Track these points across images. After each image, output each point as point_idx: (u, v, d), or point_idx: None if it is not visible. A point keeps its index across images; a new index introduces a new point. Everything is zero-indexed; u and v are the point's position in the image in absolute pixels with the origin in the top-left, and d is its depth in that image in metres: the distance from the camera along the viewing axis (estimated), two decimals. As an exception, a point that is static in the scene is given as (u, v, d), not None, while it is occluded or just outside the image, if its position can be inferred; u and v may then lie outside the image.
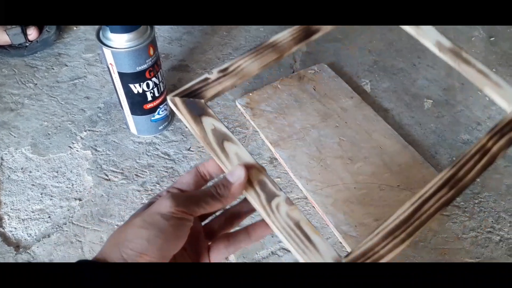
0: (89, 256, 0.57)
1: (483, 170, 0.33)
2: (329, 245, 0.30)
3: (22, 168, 0.66)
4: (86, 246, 0.58)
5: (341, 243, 0.57)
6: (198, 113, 0.35)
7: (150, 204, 0.33)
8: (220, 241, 0.37)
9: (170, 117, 0.70)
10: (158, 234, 0.29)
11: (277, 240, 0.58)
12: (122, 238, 0.30)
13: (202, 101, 0.36)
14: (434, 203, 0.31)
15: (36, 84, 0.77)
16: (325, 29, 0.41)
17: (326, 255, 0.30)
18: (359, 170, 0.63)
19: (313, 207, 0.61)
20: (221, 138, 0.34)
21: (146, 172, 0.65)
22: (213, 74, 0.37)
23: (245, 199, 0.34)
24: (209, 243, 0.37)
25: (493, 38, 0.87)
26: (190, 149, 0.68)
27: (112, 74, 0.59)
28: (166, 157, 0.67)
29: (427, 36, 0.41)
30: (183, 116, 0.35)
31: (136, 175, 0.65)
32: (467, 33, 0.88)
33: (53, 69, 0.80)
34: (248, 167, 0.32)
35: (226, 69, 0.38)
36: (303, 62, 0.82)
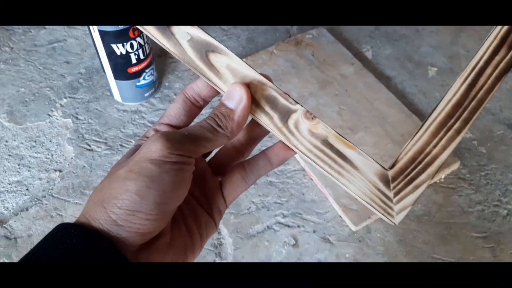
0: (70, 231, 0.53)
1: None
2: (369, 159, 0.25)
3: (-3, 138, 0.61)
4: (67, 220, 0.53)
5: (340, 217, 0.54)
6: None
7: (136, 149, 0.27)
8: (235, 172, 0.30)
9: (157, 83, 0.65)
10: (150, 185, 0.23)
11: (272, 214, 0.54)
12: (107, 195, 0.23)
13: None
14: (492, 72, 0.24)
15: (12, 48, 0.71)
16: None
17: (367, 171, 0.25)
18: (360, 140, 0.59)
19: (311, 179, 0.57)
20: (204, 50, 0.26)
21: (132, 141, 0.61)
22: None
23: (254, 120, 0.28)
24: (220, 180, 0.30)
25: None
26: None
27: (93, 33, 0.54)
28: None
29: None
30: (146, 30, 0.27)
31: (120, 145, 0.60)
32: None
33: (30, 32, 0.74)
34: (248, 83, 0.26)
35: None
36: (300, 26, 0.77)
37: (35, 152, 0.59)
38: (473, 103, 0.24)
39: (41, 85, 0.66)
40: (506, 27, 0.25)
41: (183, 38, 0.26)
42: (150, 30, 0.27)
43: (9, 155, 0.59)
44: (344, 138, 0.25)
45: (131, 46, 0.55)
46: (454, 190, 0.57)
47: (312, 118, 0.26)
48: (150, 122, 0.63)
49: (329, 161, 0.25)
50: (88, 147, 0.60)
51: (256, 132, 0.31)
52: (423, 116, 0.64)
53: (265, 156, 0.30)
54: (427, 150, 0.24)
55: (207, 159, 0.32)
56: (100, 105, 0.64)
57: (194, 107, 0.29)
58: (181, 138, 0.24)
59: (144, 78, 0.61)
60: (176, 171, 0.24)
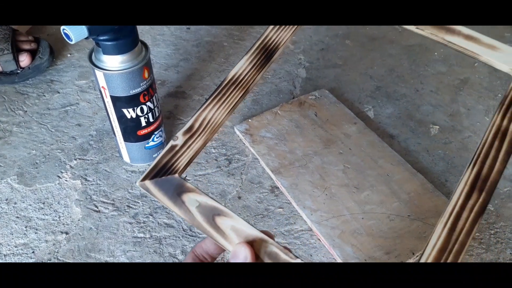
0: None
1: (508, 157, 0.28)
2: None
3: (6, 199, 0.61)
4: (72, 285, 0.53)
5: (350, 278, 0.53)
6: (176, 191, 0.30)
7: None
8: None
9: (165, 143, 0.67)
10: None
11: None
12: None
13: (176, 176, 0.31)
14: (467, 216, 0.27)
15: (26, 111, 0.74)
16: (283, 45, 0.37)
17: None
18: (366, 199, 0.59)
19: (319, 239, 0.57)
20: (211, 214, 0.29)
21: (139, 203, 0.61)
22: (179, 139, 0.33)
23: None
24: None
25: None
26: (186, 178, 0.64)
27: (105, 99, 0.56)
28: (161, 186, 0.63)
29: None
30: (161, 201, 0.30)
31: (128, 206, 0.61)
32: (469, 60, 0.86)
33: (44, 96, 0.77)
34: (251, 242, 0.28)
35: (190, 128, 0.33)
36: (303, 88, 0.79)
37: (43, 214, 0.60)
38: (456, 247, 0.26)
39: (52, 147, 0.68)
40: (472, 174, 0.28)
41: (192, 205, 0.30)
42: (163, 200, 0.30)
43: (17, 217, 0.59)
44: None
45: (141, 110, 0.58)
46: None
47: None
48: (157, 183, 0.63)
49: None
50: (96, 209, 0.60)
51: None
52: (428, 174, 0.65)
53: None
54: None
55: None
56: (109, 166, 0.65)
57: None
58: None
59: (153, 140, 0.62)
60: None
